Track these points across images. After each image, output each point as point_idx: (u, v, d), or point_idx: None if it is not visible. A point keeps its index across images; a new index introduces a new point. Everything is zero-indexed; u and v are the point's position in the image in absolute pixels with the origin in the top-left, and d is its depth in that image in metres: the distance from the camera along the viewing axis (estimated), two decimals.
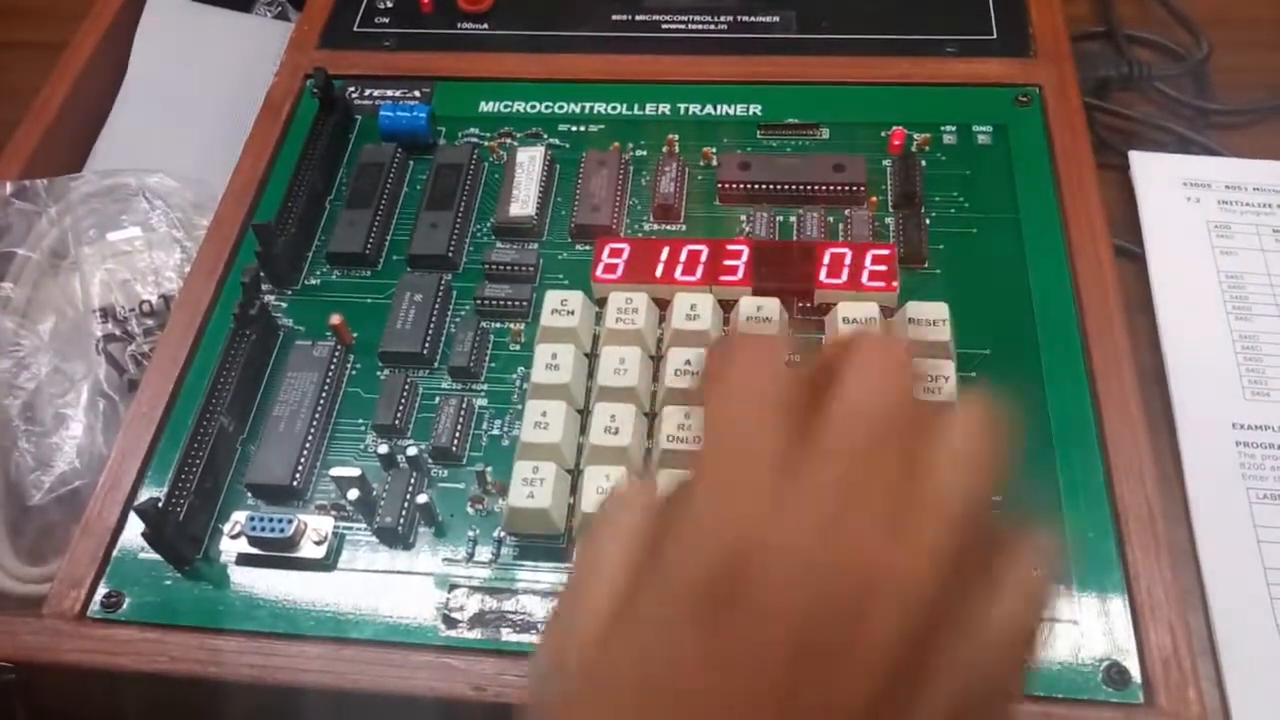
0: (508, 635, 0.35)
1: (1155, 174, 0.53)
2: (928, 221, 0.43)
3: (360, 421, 0.40)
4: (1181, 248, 0.51)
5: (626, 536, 0.22)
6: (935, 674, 0.19)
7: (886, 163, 0.45)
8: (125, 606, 0.36)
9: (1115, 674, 0.33)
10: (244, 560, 0.37)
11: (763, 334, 0.25)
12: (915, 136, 0.46)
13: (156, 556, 0.37)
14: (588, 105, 0.48)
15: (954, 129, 0.46)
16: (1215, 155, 0.54)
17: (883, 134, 0.46)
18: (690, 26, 0.51)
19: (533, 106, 0.49)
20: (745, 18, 0.51)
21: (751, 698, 0.19)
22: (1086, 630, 0.34)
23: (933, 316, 0.38)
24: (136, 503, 0.37)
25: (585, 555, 0.23)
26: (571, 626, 0.22)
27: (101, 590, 0.36)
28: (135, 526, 0.37)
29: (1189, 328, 0.48)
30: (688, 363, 0.38)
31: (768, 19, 0.51)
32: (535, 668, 0.28)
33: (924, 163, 0.45)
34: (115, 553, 0.37)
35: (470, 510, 0.37)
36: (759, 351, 0.23)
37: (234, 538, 0.37)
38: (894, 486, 0.20)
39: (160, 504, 0.36)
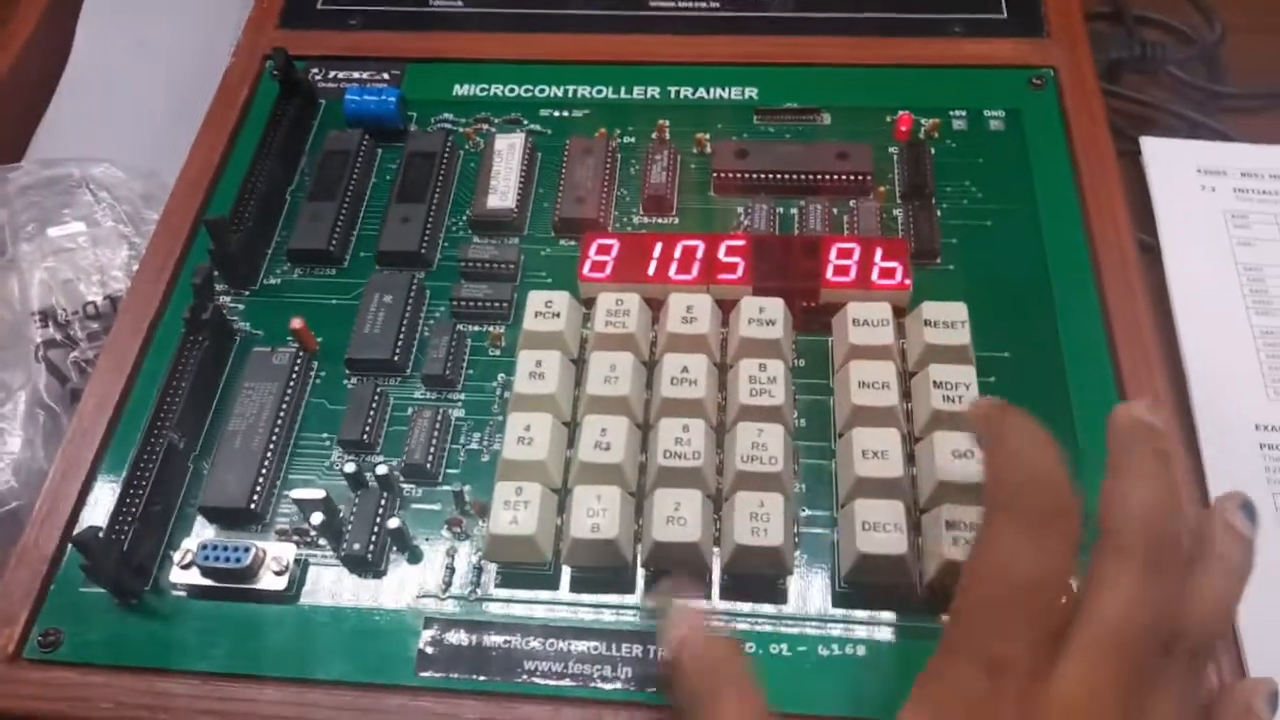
0: (489, 674, 0.32)
1: (1168, 161, 0.52)
2: (939, 213, 0.41)
3: (325, 436, 0.37)
4: (1198, 239, 0.50)
5: None
6: None
7: (893, 150, 0.43)
8: (64, 646, 0.34)
9: None
10: (197, 593, 0.34)
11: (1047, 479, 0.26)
12: (923, 122, 0.44)
13: (100, 589, 0.34)
14: (571, 88, 0.47)
15: (964, 114, 0.44)
16: (1229, 141, 0.53)
17: (888, 119, 0.44)
18: (681, 4, 0.49)
19: (511, 90, 0.47)
20: None
21: None
22: None
23: (951, 318, 0.36)
24: (76, 530, 0.34)
25: None
26: None
27: (38, 628, 0.34)
28: (76, 555, 0.34)
29: (1208, 324, 0.47)
30: (685, 370, 0.35)
31: None
32: None
33: (933, 150, 0.43)
34: (53, 585, 0.35)
35: (447, 534, 0.35)
36: (1033, 535, 0.26)
37: (185, 568, 0.34)
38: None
39: (102, 532, 0.33)
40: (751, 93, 0.46)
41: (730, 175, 0.42)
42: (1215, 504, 0.28)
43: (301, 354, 0.39)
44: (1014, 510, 0.26)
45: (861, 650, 0.32)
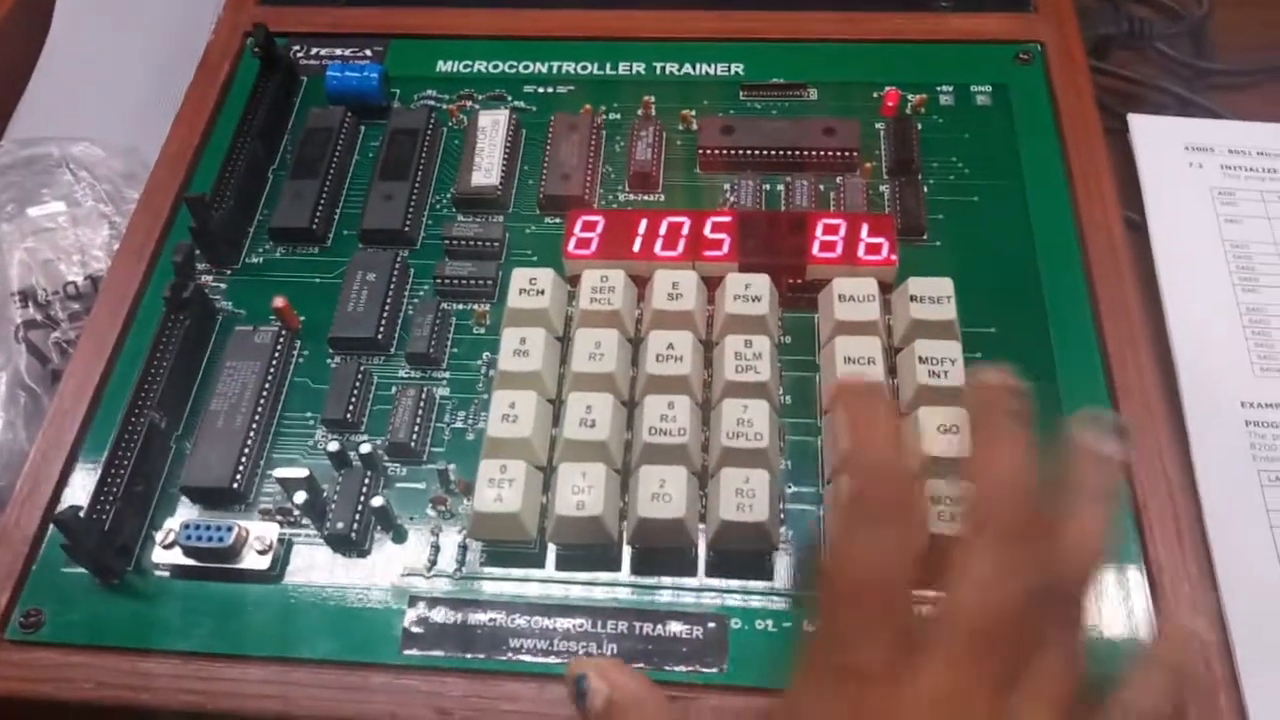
0: (475, 652, 0.32)
1: (1156, 138, 0.51)
2: (925, 189, 0.41)
3: (308, 415, 0.37)
4: (1184, 216, 0.49)
5: None
6: None
7: (880, 126, 0.43)
8: (46, 626, 0.33)
9: None
10: (179, 572, 0.34)
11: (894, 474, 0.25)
12: (910, 97, 0.44)
13: (81, 569, 0.34)
14: (556, 64, 0.46)
15: (951, 89, 0.44)
16: (1216, 118, 0.52)
17: (875, 95, 0.44)
18: None
19: (496, 66, 0.46)
20: None
21: None
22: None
23: (936, 293, 0.36)
24: (58, 510, 0.34)
25: None
26: None
27: (19, 608, 0.34)
28: (57, 535, 0.34)
29: (1194, 301, 0.47)
30: (670, 347, 0.35)
31: None
32: None
33: (920, 126, 0.43)
34: (34, 566, 0.35)
35: (431, 513, 0.35)
36: (882, 534, 0.24)
37: (168, 548, 0.34)
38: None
39: (83, 512, 0.33)
40: (738, 68, 0.45)
41: (716, 151, 0.42)
42: (1072, 428, 0.26)
43: (284, 333, 0.38)
44: (858, 505, 0.24)
45: None
